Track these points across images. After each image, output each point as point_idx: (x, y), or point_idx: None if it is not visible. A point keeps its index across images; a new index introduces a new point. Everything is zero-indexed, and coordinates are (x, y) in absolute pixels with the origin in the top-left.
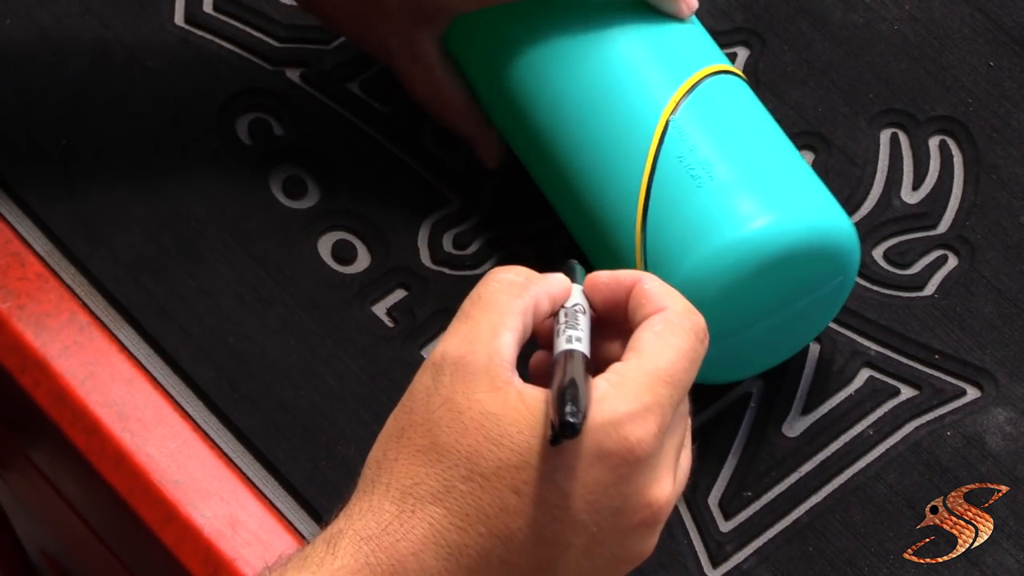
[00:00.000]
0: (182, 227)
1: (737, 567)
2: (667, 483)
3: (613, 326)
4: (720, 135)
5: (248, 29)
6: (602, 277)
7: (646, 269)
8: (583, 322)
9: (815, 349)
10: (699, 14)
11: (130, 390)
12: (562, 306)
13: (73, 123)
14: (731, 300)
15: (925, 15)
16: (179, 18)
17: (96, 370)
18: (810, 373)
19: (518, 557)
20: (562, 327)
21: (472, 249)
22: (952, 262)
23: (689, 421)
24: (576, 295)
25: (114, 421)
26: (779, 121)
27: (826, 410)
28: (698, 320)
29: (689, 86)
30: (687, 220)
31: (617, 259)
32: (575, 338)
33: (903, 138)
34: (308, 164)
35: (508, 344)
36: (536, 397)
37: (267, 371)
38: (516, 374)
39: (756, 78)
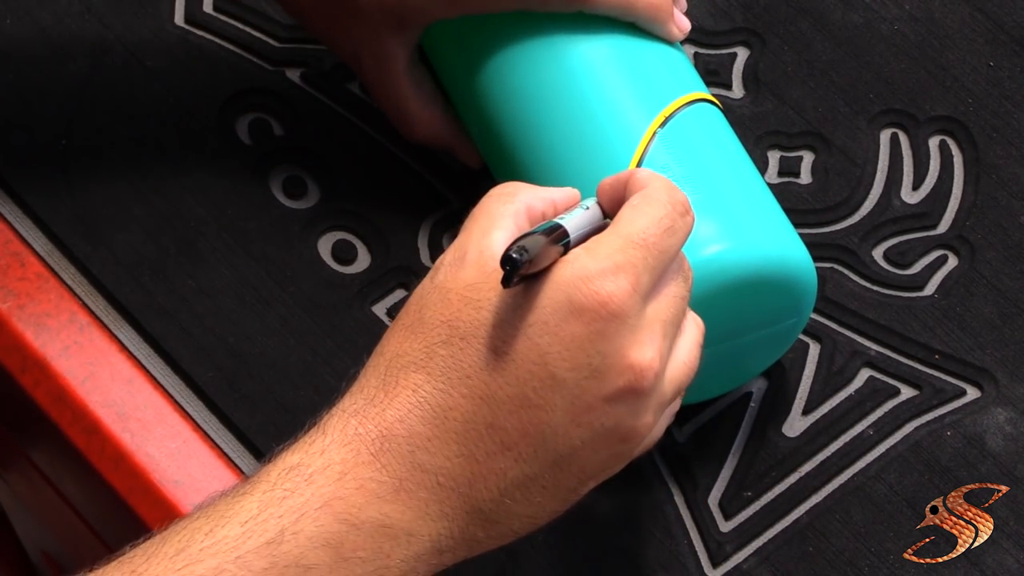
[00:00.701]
0: (182, 227)
1: (737, 567)
2: (649, 349)
3: None
4: (690, 167)
5: (248, 29)
6: (607, 179)
7: None
8: (577, 212)
9: (815, 349)
10: (699, 14)
11: (130, 390)
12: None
13: (73, 123)
14: None
15: (925, 15)
16: (179, 18)
17: (96, 370)
18: (810, 373)
19: (504, 420)
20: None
21: None
22: (952, 262)
23: (698, 324)
24: (587, 201)
25: (114, 421)
26: (779, 121)
27: (826, 410)
28: (677, 195)
29: (664, 118)
30: None
31: None
32: (559, 218)
33: (903, 138)
34: (308, 164)
35: (498, 240)
36: None
37: (267, 371)
38: None
39: (756, 78)
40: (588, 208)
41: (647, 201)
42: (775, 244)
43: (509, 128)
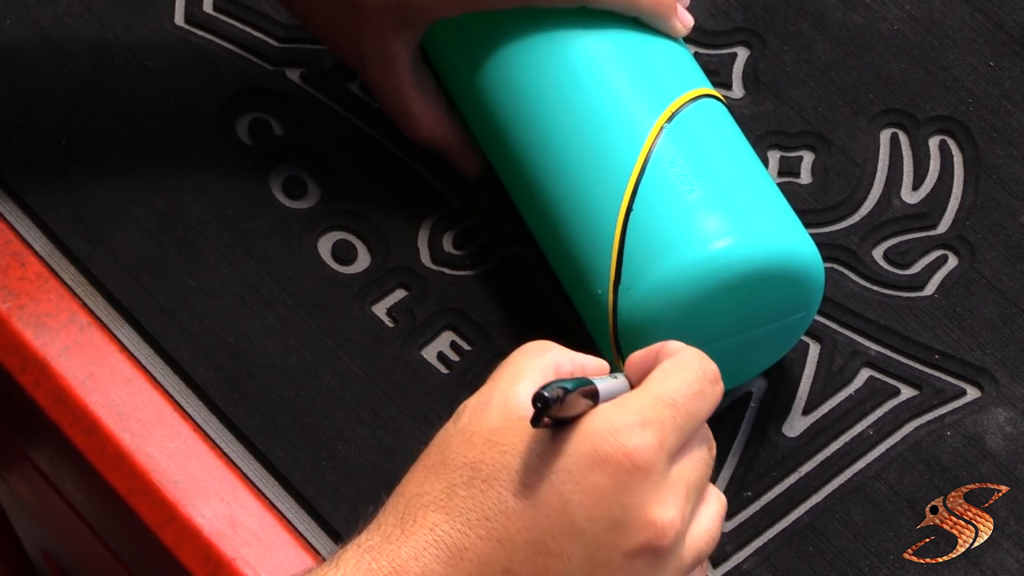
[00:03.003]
0: (182, 227)
1: (737, 567)
2: (672, 508)
3: None
4: (698, 161)
5: (248, 29)
6: (637, 353)
7: (617, 288)
8: (606, 379)
9: (815, 349)
10: (699, 14)
11: (130, 390)
12: None
13: (73, 123)
14: (692, 316)
15: (925, 15)
16: (179, 18)
17: (96, 370)
18: (810, 373)
19: (519, 565)
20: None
21: (472, 249)
22: (952, 262)
23: (720, 498)
24: (616, 373)
25: (114, 421)
26: (779, 121)
27: (826, 410)
28: (709, 364)
29: (670, 113)
30: (656, 240)
31: (587, 273)
32: (588, 378)
33: (903, 138)
34: (308, 164)
35: (524, 391)
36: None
37: (267, 371)
38: None
39: (756, 78)
40: (616, 378)
41: (679, 365)
42: (783, 238)
43: (514, 126)
